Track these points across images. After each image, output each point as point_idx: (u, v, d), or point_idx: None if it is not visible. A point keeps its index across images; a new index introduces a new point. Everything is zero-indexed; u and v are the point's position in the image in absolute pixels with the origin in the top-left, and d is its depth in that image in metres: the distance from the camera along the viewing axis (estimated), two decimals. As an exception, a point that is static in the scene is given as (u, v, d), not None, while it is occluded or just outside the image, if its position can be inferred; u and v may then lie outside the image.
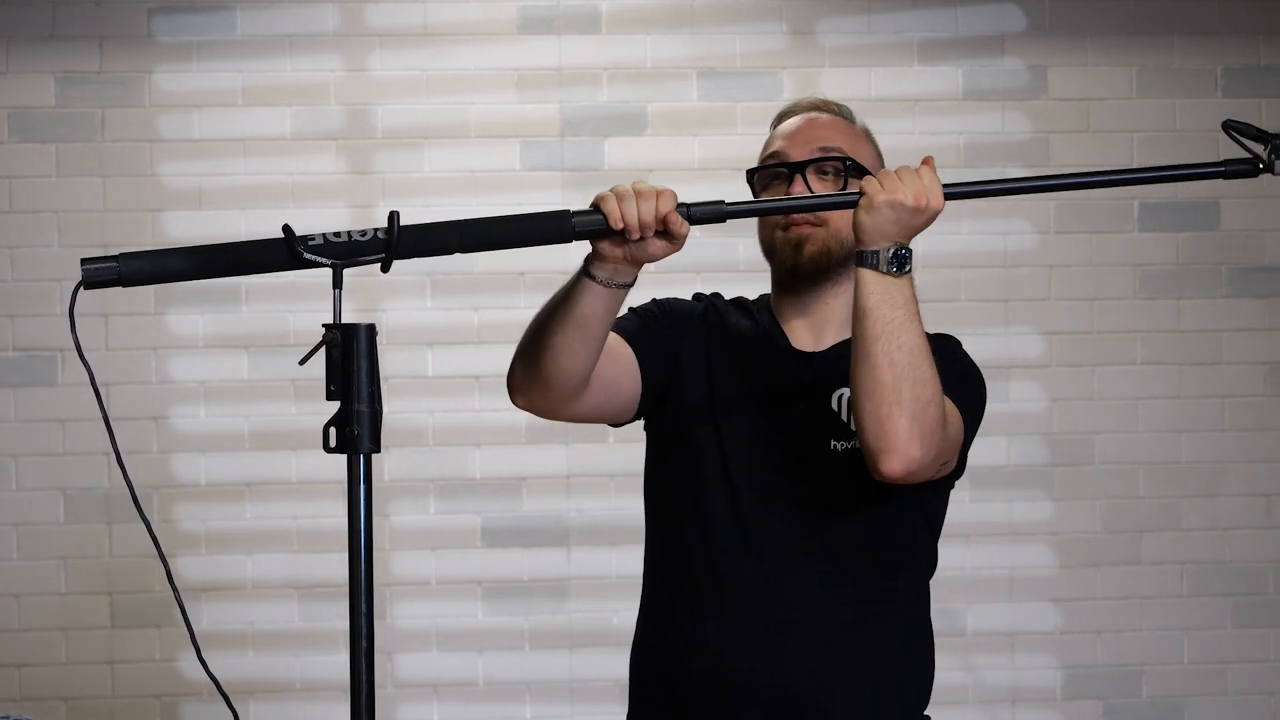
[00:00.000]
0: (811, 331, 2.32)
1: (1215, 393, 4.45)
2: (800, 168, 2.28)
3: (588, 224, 1.96)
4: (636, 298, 2.47)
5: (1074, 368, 4.44)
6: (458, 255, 1.97)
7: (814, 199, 2.21)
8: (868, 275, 2.08)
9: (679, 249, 2.05)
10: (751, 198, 2.36)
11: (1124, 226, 4.46)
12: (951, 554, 4.36)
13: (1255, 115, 4.44)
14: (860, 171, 2.30)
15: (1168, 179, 2.06)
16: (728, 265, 4.16)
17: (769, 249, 2.33)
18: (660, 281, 2.43)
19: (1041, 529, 4.41)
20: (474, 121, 4.37)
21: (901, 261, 2.08)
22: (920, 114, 4.43)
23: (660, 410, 2.34)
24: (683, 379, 2.31)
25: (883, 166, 2.37)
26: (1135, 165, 4.27)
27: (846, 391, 2.21)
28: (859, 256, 2.10)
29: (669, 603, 2.31)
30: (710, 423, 2.29)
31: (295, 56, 4.34)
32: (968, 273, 4.40)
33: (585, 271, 2.08)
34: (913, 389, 2.05)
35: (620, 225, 1.98)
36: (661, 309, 2.37)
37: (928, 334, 2.18)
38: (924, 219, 2.09)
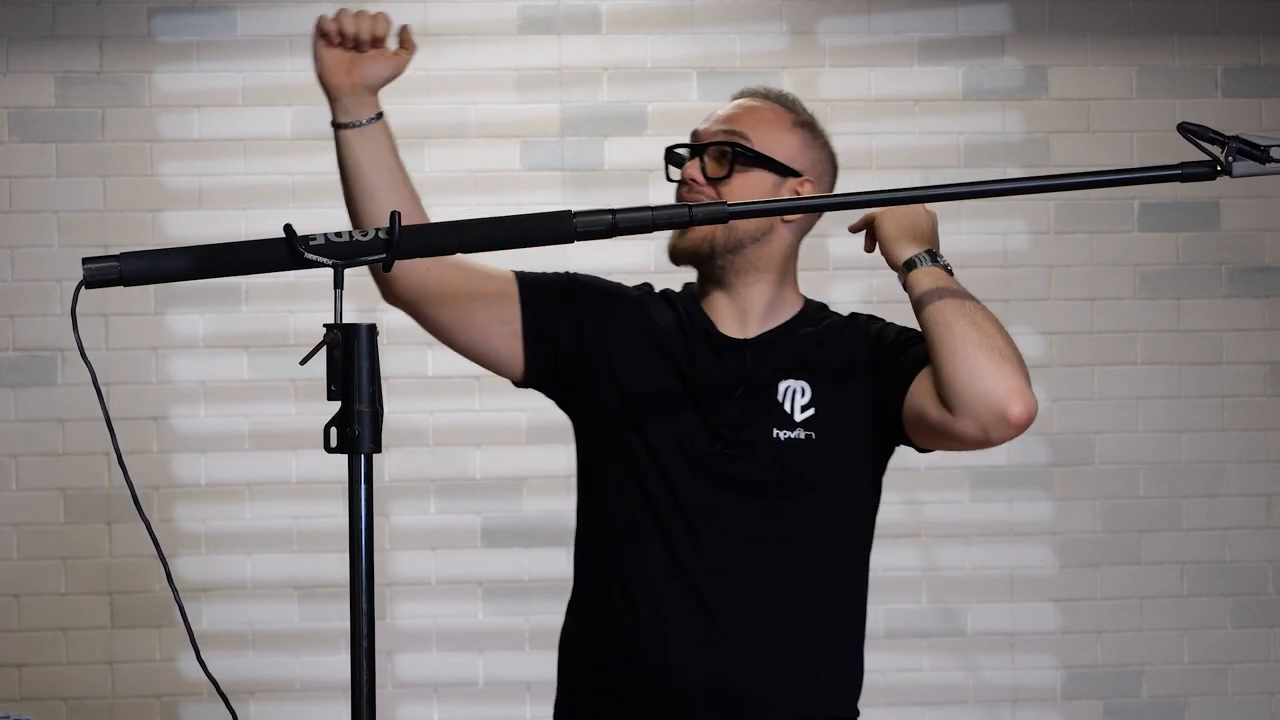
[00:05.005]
0: (737, 318, 2.32)
1: (1215, 393, 4.46)
2: (699, 150, 2.30)
3: (589, 224, 1.95)
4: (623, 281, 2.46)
5: (1074, 368, 4.44)
6: (458, 256, 1.97)
7: (812, 200, 2.20)
8: (917, 275, 2.19)
9: (398, 69, 2.21)
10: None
11: (1124, 226, 4.46)
12: (951, 554, 4.39)
13: (1255, 115, 4.45)
14: (752, 158, 2.28)
15: (1123, 182, 2.05)
16: (728, 265, 4.16)
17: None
18: (662, 280, 2.43)
19: (1041, 529, 4.41)
20: (474, 121, 4.37)
21: (933, 258, 2.21)
22: (920, 114, 4.43)
23: (575, 392, 2.33)
24: (610, 365, 2.30)
25: (825, 167, 2.37)
26: (1135, 165, 4.28)
27: (793, 384, 2.27)
28: (904, 268, 2.21)
29: (605, 592, 2.29)
30: (646, 414, 2.27)
31: (295, 56, 4.34)
32: (968, 273, 4.33)
33: (333, 125, 2.19)
34: (1005, 340, 2.13)
35: (330, 28, 2.16)
36: (576, 282, 2.36)
37: (863, 317, 2.36)
38: (923, 216, 2.25)
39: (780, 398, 2.27)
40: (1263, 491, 4.46)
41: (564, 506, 4.33)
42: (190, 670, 4.22)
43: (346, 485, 1.75)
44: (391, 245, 1.82)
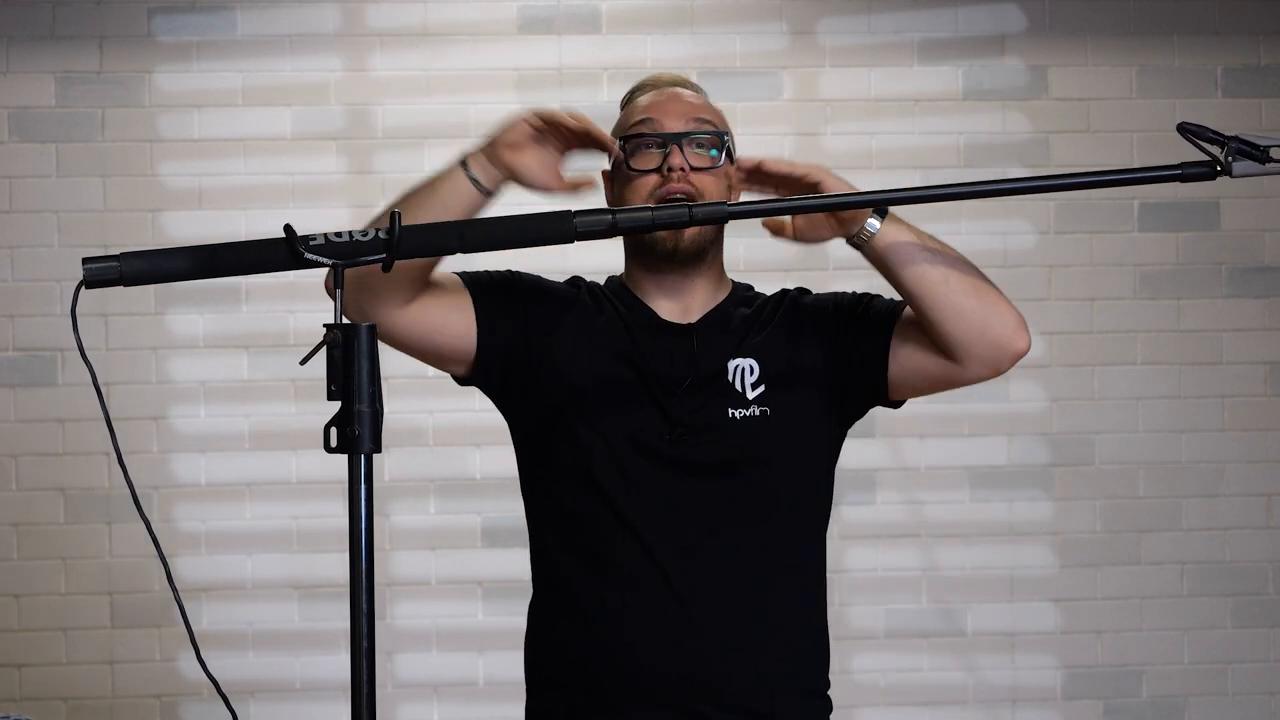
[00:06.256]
0: (679, 306, 2.33)
1: (1215, 393, 4.46)
2: (677, 139, 2.28)
3: (589, 224, 1.96)
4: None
5: (1074, 368, 4.44)
6: (458, 256, 1.97)
7: (814, 200, 2.19)
8: (886, 227, 2.21)
9: (547, 186, 2.20)
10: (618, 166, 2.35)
11: (1124, 226, 4.46)
12: (951, 554, 4.39)
13: (1255, 115, 4.45)
14: (727, 147, 2.31)
15: (1124, 182, 2.05)
16: (728, 265, 4.15)
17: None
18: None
19: (1041, 529, 4.41)
20: (474, 121, 4.36)
21: (880, 214, 2.23)
22: (920, 114, 4.43)
23: (522, 393, 2.32)
24: (557, 364, 2.29)
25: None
26: (1135, 165, 4.28)
27: (741, 362, 2.29)
28: (866, 227, 2.22)
29: (573, 591, 2.27)
30: (600, 409, 2.27)
31: (295, 56, 4.34)
32: (968, 273, 4.40)
33: (462, 164, 2.18)
34: (981, 275, 2.24)
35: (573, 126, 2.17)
36: (519, 281, 2.35)
37: (794, 291, 2.39)
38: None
39: (731, 378, 2.28)
40: (1263, 491, 4.46)
41: (564, 506, 4.35)
42: (190, 670, 4.22)
43: (346, 485, 1.75)
44: (391, 245, 1.82)
